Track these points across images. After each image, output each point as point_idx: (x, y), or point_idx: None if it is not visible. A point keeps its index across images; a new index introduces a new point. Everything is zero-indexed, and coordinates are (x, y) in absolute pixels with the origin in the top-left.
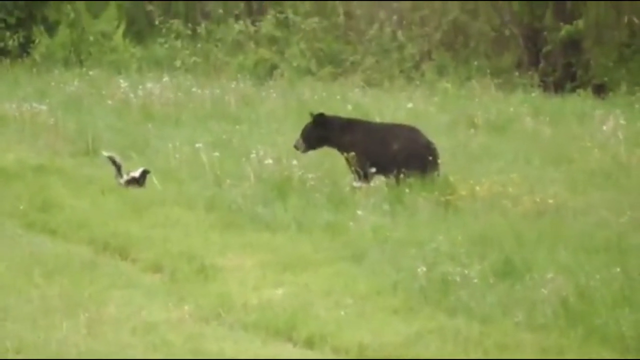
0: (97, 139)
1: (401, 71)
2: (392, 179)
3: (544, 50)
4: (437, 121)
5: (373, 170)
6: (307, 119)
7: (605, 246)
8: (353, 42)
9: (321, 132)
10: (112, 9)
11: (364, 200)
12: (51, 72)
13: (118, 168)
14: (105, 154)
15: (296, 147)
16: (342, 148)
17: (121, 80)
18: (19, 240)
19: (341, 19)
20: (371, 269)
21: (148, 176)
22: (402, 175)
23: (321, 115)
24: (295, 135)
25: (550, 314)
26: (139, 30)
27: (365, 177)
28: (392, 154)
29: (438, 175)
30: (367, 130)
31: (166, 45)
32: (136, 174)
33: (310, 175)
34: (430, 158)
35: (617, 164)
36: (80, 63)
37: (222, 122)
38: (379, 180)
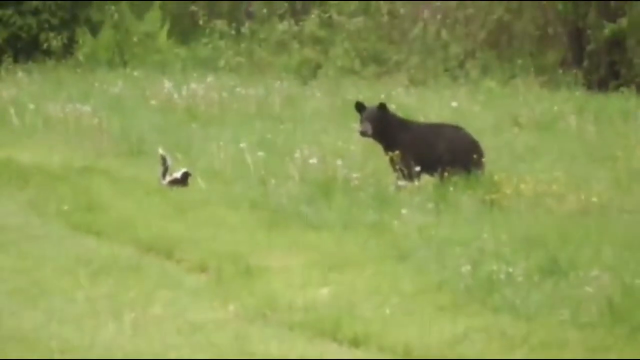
0: (141, 139)
1: (445, 70)
2: (436, 178)
3: (588, 48)
4: (482, 120)
5: (418, 169)
6: (352, 119)
7: None
8: (397, 41)
9: (382, 121)
10: (155, 10)
11: (409, 199)
12: (95, 73)
13: (165, 169)
14: (161, 151)
15: (363, 132)
16: (390, 145)
17: (165, 81)
18: (64, 241)
19: (385, 18)
20: (416, 268)
21: (191, 177)
22: (446, 174)
23: (385, 104)
24: (341, 134)
25: (596, 312)
26: (183, 31)
27: (410, 176)
28: (438, 153)
29: (482, 174)
30: (415, 130)
31: (210, 46)
32: (177, 174)
33: (354, 175)
34: (475, 157)
35: None
36: (124, 64)
37: (267, 121)
38: (423, 180)
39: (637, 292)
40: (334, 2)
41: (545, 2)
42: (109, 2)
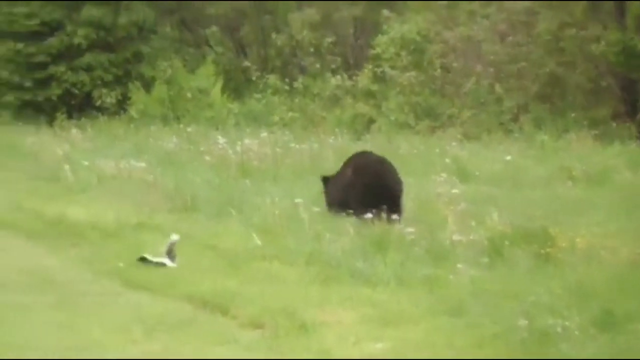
0: (195, 195)
1: (499, 124)
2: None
3: None
4: (535, 174)
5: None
6: (406, 174)
7: None
8: (450, 95)
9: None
10: (208, 65)
11: (464, 254)
12: (148, 129)
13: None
14: (174, 238)
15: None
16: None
17: (219, 136)
18: (118, 298)
19: (438, 72)
20: (471, 322)
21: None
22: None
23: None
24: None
25: None
26: (236, 86)
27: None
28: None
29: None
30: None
31: (263, 101)
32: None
33: (409, 229)
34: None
35: None
36: (178, 119)
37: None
38: (477, 235)
39: None
40: (387, 57)
41: (597, 55)
42: (161, 58)
